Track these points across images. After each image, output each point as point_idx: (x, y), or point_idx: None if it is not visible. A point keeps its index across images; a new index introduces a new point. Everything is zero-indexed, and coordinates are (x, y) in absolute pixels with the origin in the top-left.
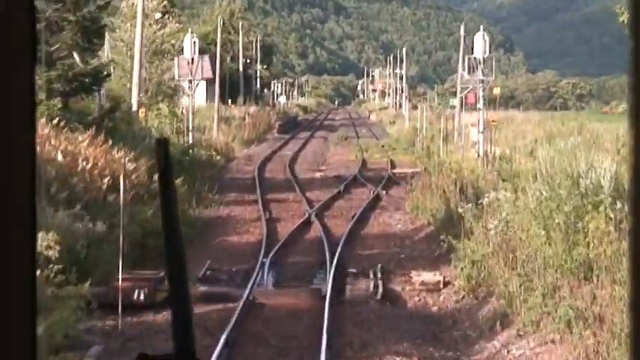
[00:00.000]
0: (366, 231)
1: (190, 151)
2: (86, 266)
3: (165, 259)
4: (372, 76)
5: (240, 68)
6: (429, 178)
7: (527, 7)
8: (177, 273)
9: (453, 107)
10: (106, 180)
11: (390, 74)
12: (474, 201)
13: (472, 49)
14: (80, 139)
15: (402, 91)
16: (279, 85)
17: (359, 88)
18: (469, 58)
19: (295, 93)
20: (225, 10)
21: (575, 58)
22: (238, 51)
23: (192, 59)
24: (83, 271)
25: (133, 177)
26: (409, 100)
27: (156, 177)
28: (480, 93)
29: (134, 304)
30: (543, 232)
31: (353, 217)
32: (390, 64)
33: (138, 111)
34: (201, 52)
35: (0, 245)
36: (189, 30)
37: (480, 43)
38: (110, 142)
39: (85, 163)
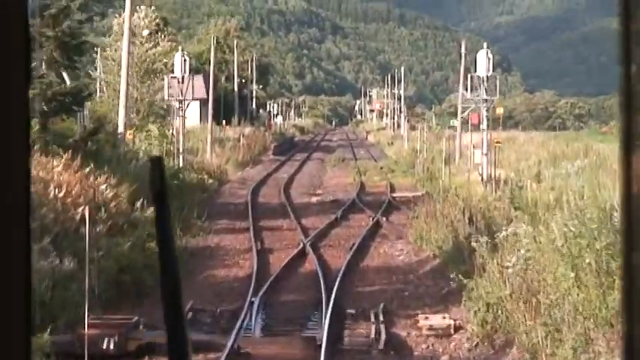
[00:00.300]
0: (365, 263)
1: (180, 174)
2: (51, 310)
3: (161, 282)
4: (370, 96)
5: (235, 88)
6: (432, 205)
7: (525, 26)
8: (172, 297)
9: (453, 128)
10: (80, 209)
11: (387, 94)
12: (485, 232)
13: (474, 67)
14: (55, 163)
15: (400, 112)
16: (275, 105)
17: (356, 108)
18: (471, 77)
19: (292, 113)
20: (220, 29)
21: (573, 78)
22: (233, 70)
23: (183, 78)
24: (47, 317)
25: (112, 205)
26: (407, 121)
27: (138, 204)
28: (484, 113)
29: (103, 354)
30: (572, 274)
31: (351, 247)
32: (387, 84)
33: (125, 132)
34: (196, 71)
35: None
36: (180, 48)
37: (483, 61)
38: (90, 166)
39: (57, 190)
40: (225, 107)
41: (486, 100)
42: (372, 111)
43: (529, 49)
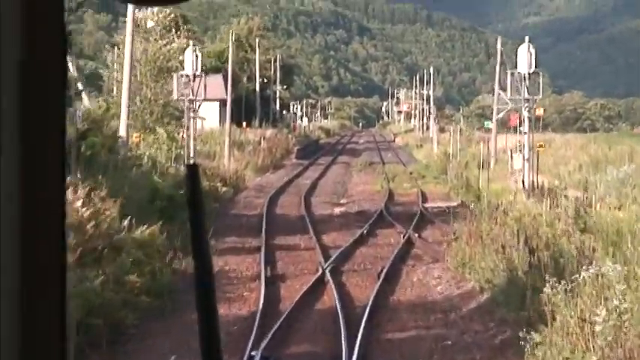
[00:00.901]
0: (397, 296)
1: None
2: None
3: (194, 280)
4: (397, 98)
5: (257, 88)
6: (475, 223)
7: (552, 27)
8: (206, 310)
9: (488, 130)
10: None
11: (415, 95)
12: (551, 266)
13: (508, 65)
14: None
15: (430, 113)
16: (299, 106)
17: (383, 109)
18: (511, 74)
19: (318, 115)
20: (243, 27)
21: (600, 79)
22: (255, 70)
23: (194, 76)
24: None
25: (90, 225)
26: (437, 123)
27: (125, 223)
28: (525, 114)
29: None
30: None
31: (380, 273)
32: (415, 85)
33: (128, 136)
34: (216, 70)
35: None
36: (191, 43)
37: (525, 56)
38: (77, 175)
39: None
40: (246, 108)
41: (528, 100)
42: (399, 112)
43: (556, 51)
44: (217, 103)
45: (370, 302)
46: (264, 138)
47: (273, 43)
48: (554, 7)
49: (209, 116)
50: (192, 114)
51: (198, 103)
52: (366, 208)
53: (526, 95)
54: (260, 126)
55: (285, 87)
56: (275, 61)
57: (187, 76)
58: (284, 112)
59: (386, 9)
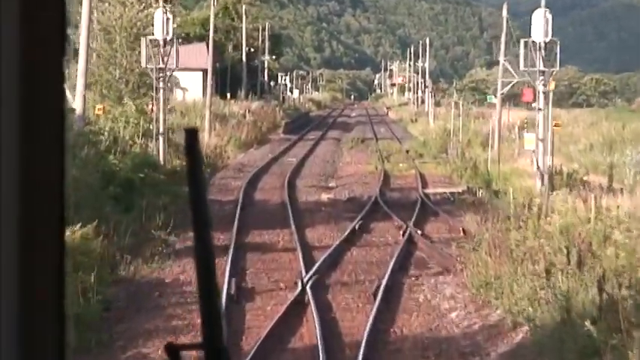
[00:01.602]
0: (398, 327)
1: (155, 162)
2: None
3: (195, 254)
4: (391, 70)
5: (244, 58)
6: (496, 226)
7: (545, 2)
8: (206, 269)
9: (490, 104)
10: None
11: (410, 67)
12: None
13: (504, 36)
14: None
15: (425, 86)
16: (288, 77)
17: (376, 82)
18: (525, 43)
19: (309, 87)
20: None
21: (594, 55)
22: (241, 39)
23: (165, 42)
24: None
25: None
26: (433, 96)
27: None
28: (540, 87)
29: None
30: None
31: (375, 291)
32: (409, 57)
33: (84, 109)
34: (200, 39)
35: (27, 234)
36: (160, 3)
37: (540, 23)
38: None
39: None
40: (232, 79)
41: (543, 72)
42: (392, 85)
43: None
44: (200, 73)
45: (364, 340)
46: (249, 111)
47: (264, 13)
48: None
49: (192, 87)
50: (161, 84)
51: (169, 72)
52: (359, 193)
53: (541, 67)
54: (246, 98)
55: (274, 57)
56: (264, 29)
57: (157, 41)
58: (272, 83)
59: None
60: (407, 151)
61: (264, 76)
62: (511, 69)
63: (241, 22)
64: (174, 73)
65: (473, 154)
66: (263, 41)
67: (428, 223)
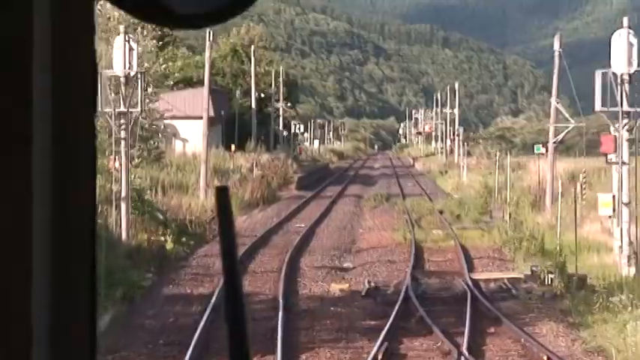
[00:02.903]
0: None
1: (108, 241)
2: None
3: (225, 301)
4: (416, 119)
5: (253, 104)
6: None
7: (570, 50)
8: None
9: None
10: None
11: (437, 115)
12: None
13: (522, 89)
14: None
15: (454, 135)
16: (303, 126)
17: (400, 131)
18: (602, 75)
19: (331, 136)
20: (244, 37)
21: None
22: (251, 83)
23: (127, 78)
24: None
25: None
26: (465, 144)
27: None
28: (624, 134)
29: None
30: None
31: None
32: (437, 103)
33: None
34: (202, 82)
35: (62, 241)
36: (122, 27)
37: (623, 48)
38: None
39: None
40: (240, 129)
41: (628, 114)
42: (419, 134)
43: (575, 72)
44: (204, 123)
45: None
46: (257, 164)
47: (286, 62)
48: (571, 29)
49: (193, 137)
50: (122, 134)
51: (134, 116)
52: (383, 280)
53: (625, 106)
54: (255, 149)
55: (288, 104)
56: (277, 75)
57: (117, 78)
58: (285, 133)
59: (402, 29)
60: (440, 212)
61: (278, 125)
62: (565, 112)
63: (251, 64)
64: (172, 122)
65: (523, 216)
66: (277, 86)
67: (489, 344)
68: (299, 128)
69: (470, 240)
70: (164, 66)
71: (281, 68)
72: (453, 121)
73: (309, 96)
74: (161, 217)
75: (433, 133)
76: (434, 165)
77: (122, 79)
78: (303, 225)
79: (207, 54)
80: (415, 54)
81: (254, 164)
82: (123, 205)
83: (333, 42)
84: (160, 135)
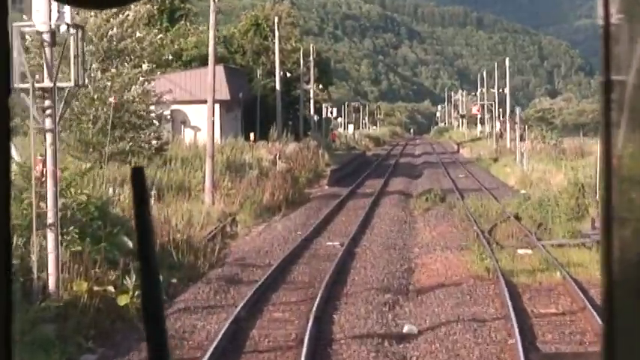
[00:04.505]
0: None
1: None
2: None
3: (141, 286)
4: (456, 101)
5: (277, 85)
6: None
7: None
8: (153, 300)
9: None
10: None
11: (480, 96)
12: None
13: (567, 66)
14: None
15: (504, 116)
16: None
17: (438, 114)
18: None
19: (366, 121)
20: (269, 13)
21: None
22: (274, 61)
23: (53, 35)
24: None
25: None
26: (524, 129)
27: None
28: None
29: None
30: None
31: None
32: (482, 83)
33: None
34: (221, 60)
35: None
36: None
37: None
38: None
39: None
40: (262, 114)
41: None
42: (462, 116)
43: None
44: (217, 106)
45: None
46: (279, 156)
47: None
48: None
49: (204, 125)
50: (48, 122)
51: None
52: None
53: None
54: (280, 138)
55: (319, 86)
56: (307, 54)
57: (39, 34)
58: (316, 118)
59: (436, 12)
60: (517, 217)
61: (308, 109)
62: None
63: (274, 38)
64: (181, 107)
65: None
66: (307, 66)
67: None
68: (331, 112)
69: (581, 269)
70: (176, 43)
71: (311, 45)
72: (501, 101)
73: (343, 80)
74: (131, 244)
75: (479, 116)
76: (483, 151)
77: (45, 36)
78: (337, 244)
79: (211, 18)
80: (449, 36)
81: (277, 156)
82: (50, 236)
83: (366, 25)
84: (159, 122)
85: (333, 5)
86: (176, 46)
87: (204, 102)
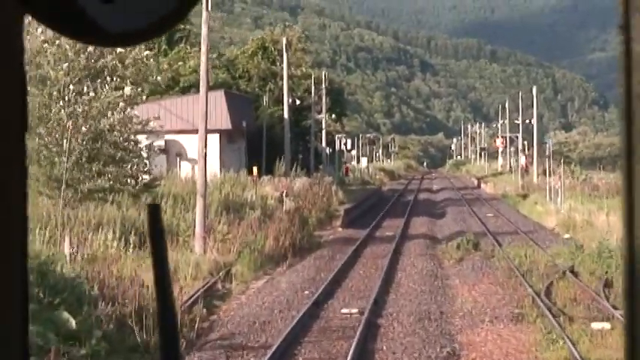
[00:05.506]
0: None
1: None
2: None
3: (158, 316)
4: (474, 133)
5: (286, 114)
6: None
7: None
8: (170, 336)
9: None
10: None
11: (501, 128)
12: None
13: (580, 100)
14: None
15: (529, 149)
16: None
17: (453, 147)
18: None
19: (379, 154)
20: (278, 38)
21: None
22: (282, 87)
23: None
24: None
25: None
26: (549, 164)
27: None
28: None
29: None
30: None
31: None
32: (504, 113)
33: None
34: (222, 85)
35: None
36: None
37: None
38: None
39: None
40: (268, 146)
41: None
42: (483, 149)
43: None
44: (217, 136)
45: None
46: (286, 194)
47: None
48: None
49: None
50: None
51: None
52: None
53: None
54: (287, 173)
55: (332, 116)
56: (318, 81)
57: None
58: (328, 150)
59: (449, 44)
60: (572, 272)
61: (320, 141)
62: None
63: (282, 63)
64: (177, 138)
65: None
66: (319, 95)
67: None
68: (345, 144)
69: None
70: (174, 67)
71: (324, 72)
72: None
73: (355, 112)
74: (73, 322)
75: (500, 149)
76: (508, 187)
77: None
78: (354, 311)
79: (203, 30)
80: (462, 69)
81: (284, 193)
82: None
83: (378, 57)
84: (149, 154)
85: (346, 37)
86: (172, 71)
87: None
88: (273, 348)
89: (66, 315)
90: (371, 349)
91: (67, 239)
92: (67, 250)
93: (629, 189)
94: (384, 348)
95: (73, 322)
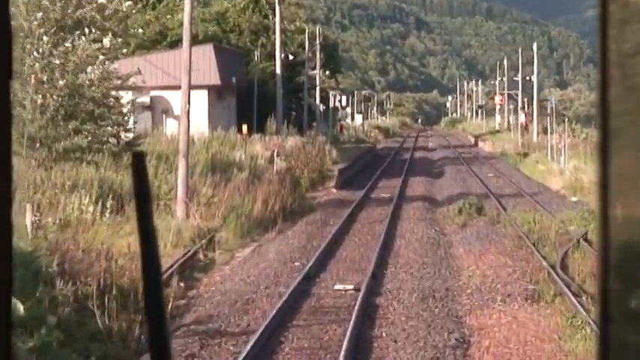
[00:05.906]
0: None
1: None
2: None
3: (143, 276)
4: (471, 91)
5: (278, 70)
6: None
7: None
8: (154, 290)
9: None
10: None
11: (499, 85)
12: None
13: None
14: None
15: (529, 106)
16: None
17: (448, 105)
18: None
19: (374, 111)
20: None
21: None
22: (274, 42)
23: None
24: None
25: None
26: (550, 122)
27: None
28: None
29: None
30: None
31: None
32: (503, 72)
33: None
34: (211, 39)
35: None
36: None
37: None
38: None
39: None
40: (260, 103)
41: None
42: (480, 107)
43: None
44: (206, 92)
45: None
46: (278, 153)
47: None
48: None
49: (194, 115)
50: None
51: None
52: None
53: None
54: (278, 132)
55: (326, 72)
56: (313, 36)
57: None
58: (322, 107)
59: (444, 1)
60: (586, 241)
61: (313, 98)
62: None
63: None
64: (163, 94)
65: None
66: (313, 50)
67: None
68: (340, 101)
69: None
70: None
71: (318, 27)
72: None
73: (350, 70)
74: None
75: (498, 107)
76: (507, 145)
77: None
78: (350, 287)
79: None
80: (458, 26)
81: (275, 152)
82: None
83: (373, 15)
84: (133, 111)
85: None
86: (160, 25)
87: (193, 87)
88: (257, 335)
89: (13, 301)
90: (367, 338)
91: (28, 207)
92: (28, 219)
93: (604, 185)
94: (383, 335)
95: (20, 308)
